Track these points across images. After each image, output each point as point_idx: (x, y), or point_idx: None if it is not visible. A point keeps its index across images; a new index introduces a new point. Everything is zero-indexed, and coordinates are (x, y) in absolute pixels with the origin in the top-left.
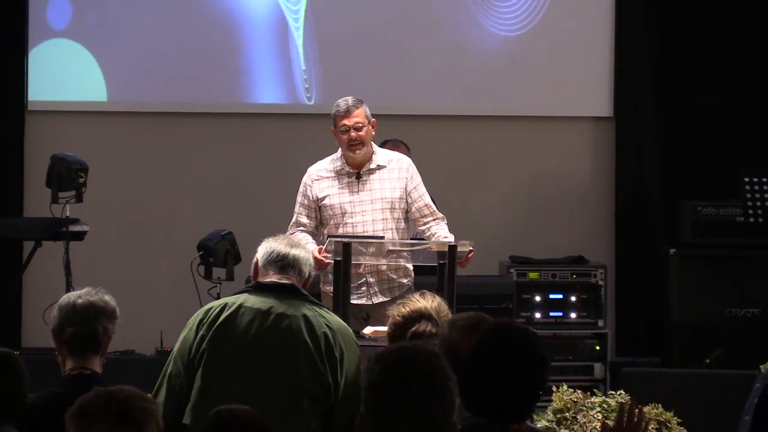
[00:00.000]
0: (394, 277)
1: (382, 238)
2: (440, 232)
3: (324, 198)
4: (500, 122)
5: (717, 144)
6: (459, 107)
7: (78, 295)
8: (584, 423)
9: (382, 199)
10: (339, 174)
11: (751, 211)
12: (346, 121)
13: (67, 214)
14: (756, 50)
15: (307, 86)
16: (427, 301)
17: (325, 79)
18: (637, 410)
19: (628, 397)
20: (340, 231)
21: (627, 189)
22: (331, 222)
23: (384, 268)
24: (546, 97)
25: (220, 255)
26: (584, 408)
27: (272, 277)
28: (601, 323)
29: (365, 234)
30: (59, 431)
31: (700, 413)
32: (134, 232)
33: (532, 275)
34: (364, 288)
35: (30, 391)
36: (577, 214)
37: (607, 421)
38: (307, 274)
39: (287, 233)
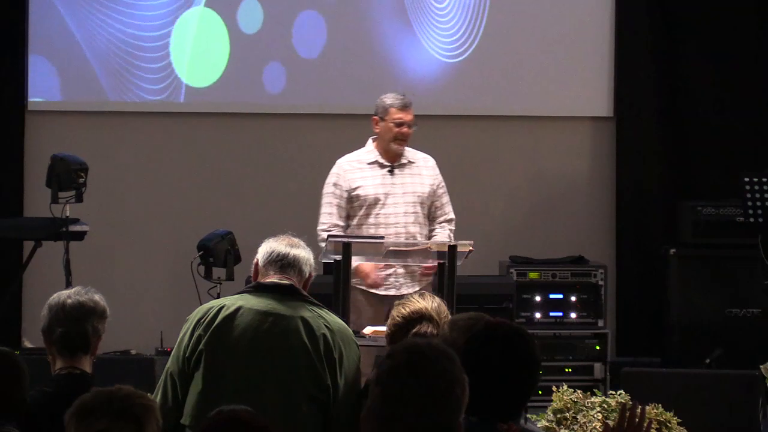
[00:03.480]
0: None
1: (382, 238)
2: (438, 238)
3: (357, 188)
4: (500, 122)
5: (717, 144)
6: (459, 107)
7: (68, 294)
8: (584, 423)
9: (413, 192)
10: (372, 165)
11: (751, 211)
12: (402, 116)
13: (67, 214)
14: (756, 50)
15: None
16: (428, 302)
17: (328, 78)
18: (638, 410)
19: (628, 397)
20: (371, 221)
21: (627, 189)
22: (361, 212)
23: (410, 260)
24: (546, 97)
25: (220, 255)
26: (584, 408)
27: (272, 278)
28: (601, 323)
29: (397, 225)
30: (49, 429)
31: (700, 413)
32: (134, 232)
33: (532, 275)
34: (392, 279)
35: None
36: (577, 214)
37: (608, 421)
38: (307, 274)
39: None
